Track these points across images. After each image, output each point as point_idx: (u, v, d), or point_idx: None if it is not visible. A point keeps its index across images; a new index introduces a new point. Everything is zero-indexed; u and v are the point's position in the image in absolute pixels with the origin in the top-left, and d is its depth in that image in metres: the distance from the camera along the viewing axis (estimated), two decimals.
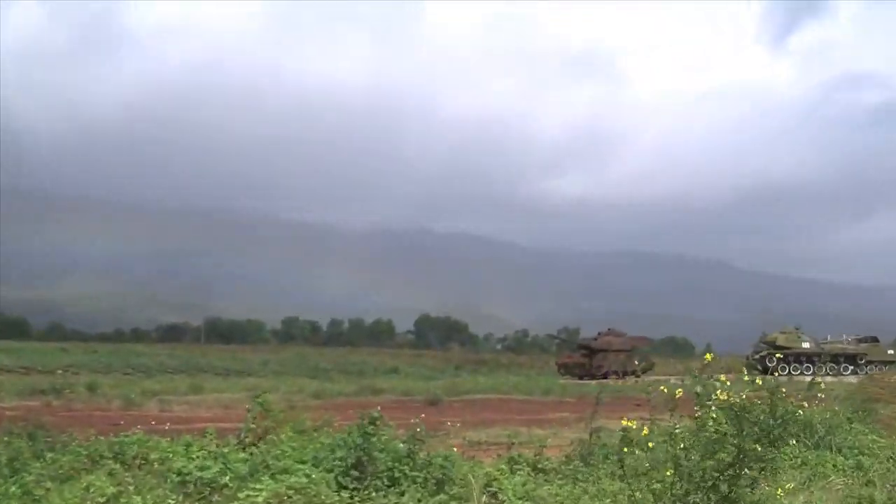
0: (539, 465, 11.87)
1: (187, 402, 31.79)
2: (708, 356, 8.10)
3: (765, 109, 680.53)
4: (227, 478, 9.13)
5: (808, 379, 22.82)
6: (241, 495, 8.27)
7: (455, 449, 12.03)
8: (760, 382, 8.00)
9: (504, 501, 9.44)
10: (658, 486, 7.43)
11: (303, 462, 9.96)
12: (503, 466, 10.96)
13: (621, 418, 7.97)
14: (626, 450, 7.68)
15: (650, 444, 7.49)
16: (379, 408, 10.67)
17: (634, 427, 7.70)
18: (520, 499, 9.56)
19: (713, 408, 7.58)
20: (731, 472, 7.10)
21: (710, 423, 7.38)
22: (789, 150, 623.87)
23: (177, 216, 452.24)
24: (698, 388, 7.81)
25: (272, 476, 9.22)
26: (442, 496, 9.38)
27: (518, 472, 10.95)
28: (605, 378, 58.20)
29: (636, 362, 60.03)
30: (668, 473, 7.32)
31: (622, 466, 7.74)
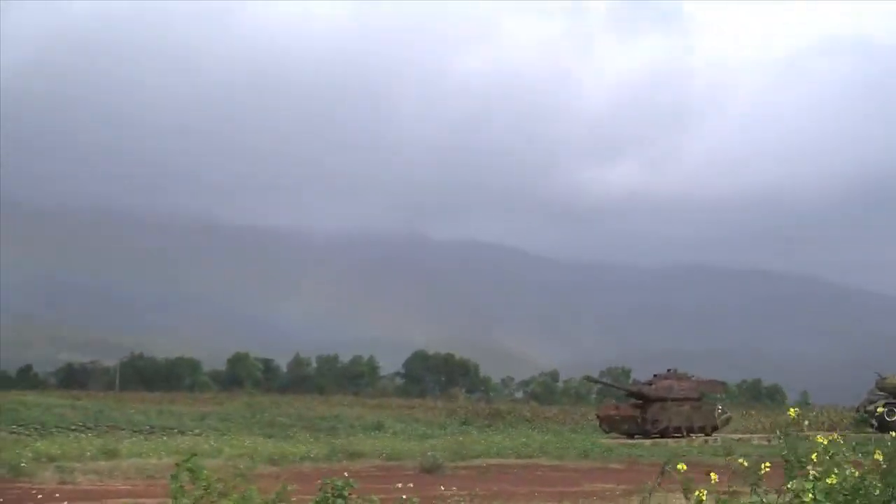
0: None
1: (96, 470, 31.68)
2: (792, 411, 8.05)
3: (890, 69, 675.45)
4: None
5: None
6: None
7: None
8: (878, 452, 7.91)
9: None
10: None
11: None
12: None
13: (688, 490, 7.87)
14: None
15: None
16: (345, 475, 10.62)
17: (705, 499, 7.58)
18: None
19: (812, 480, 7.51)
20: None
21: (808, 501, 7.31)
22: None
23: (82, 218, 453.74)
24: (788, 455, 7.75)
25: None
26: None
27: None
28: (664, 437, 58.11)
29: (719, 410, 59.99)
30: None
31: None
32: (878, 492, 7.22)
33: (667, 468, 13.30)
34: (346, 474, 10.55)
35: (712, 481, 7.50)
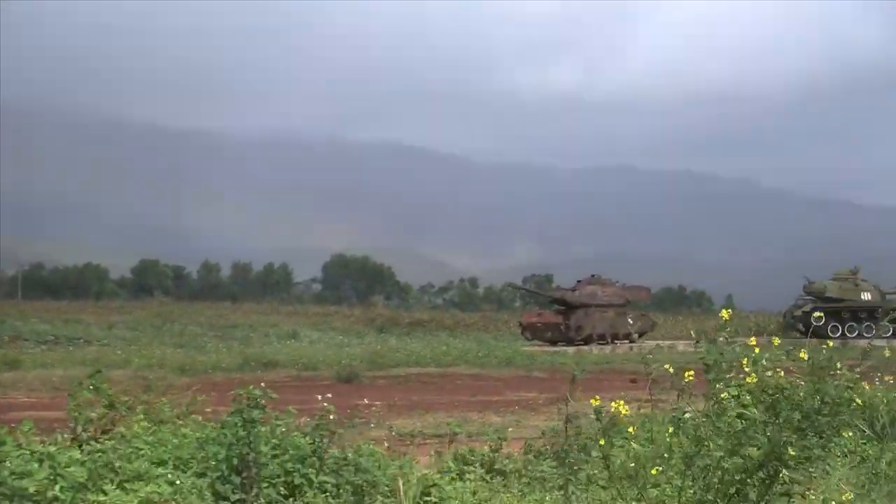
0: (496, 466, 11.95)
1: None
2: (725, 313, 8.08)
3: None
4: (58, 487, 9.04)
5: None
6: None
7: (379, 444, 12.05)
8: (804, 352, 7.99)
9: None
10: (657, 492, 7.47)
11: (163, 464, 9.90)
12: (445, 467, 11.01)
13: (610, 400, 7.93)
14: (612, 443, 7.61)
15: (649, 435, 7.47)
16: (262, 385, 10.59)
17: (625, 411, 7.62)
18: None
19: (735, 385, 7.59)
20: (761, 473, 7.08)
21: (732, 407, 7.38)
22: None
23: None
24: (712, 358, 7.80)
25: (120, 484, 9.14)
26: None
27: (467, 475, 11.01)
28: (588, 344, 58.66)
29: (630, 322, 60.46)
30: (674, 474, 7.32)
31: (608, 466, 7.73)
32: (802, 392, 7.34)
33: (577, 375, 13.46)
34: (262, 384, 10.48)
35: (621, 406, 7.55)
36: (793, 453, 7.03)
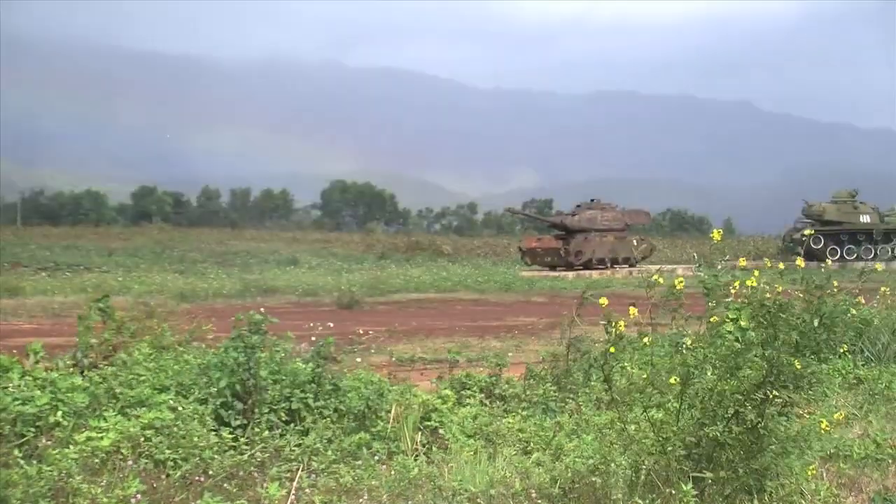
0: (496, 391, 12.00)
1: None
2: (716, 233, 8.06)
3: None
4: (60, 413, 9.08)
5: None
6: (78, 437, 8.21)
7: (379, 370, 12.11)
8: (801, 265, 7.96)
9: (448, 439, 9.54)
10: (660, 415, 7.51)
11: (165, 390, 9.95)
12: (446, 392, 11.06)
13: (613, 322, 7.92)
14: (614, 355, 7.60)
15: (648, 359, 7.47)
16: (262, 310, 10.61)
17: (622, 327, 7.61)
18: (469, 436, 9.67)
19: (733, 308, 7.60)
20: (759, 394, 7.12)
21: (730, 329, 7.40)
22: None
23: None
24: (710, 281, 7.80)
25: (122, 410, 9.19)
26: (361, 434, 9.45)
27: (467, 401, 11.07)
28: (588, 269, 58.78)
29: (635, 245, 60.53)
30: (672, 397, 7.35)
31: (609, 389, 7.76)
32: (799, 311, 7.35)
33: (585, 298, 13.46)
34: (261, 310, 10.51)
35: (631, 315, 7.56)
36: (789, 373, 7.06)
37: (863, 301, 12.27)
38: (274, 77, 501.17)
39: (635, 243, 59.18)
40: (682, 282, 7.65)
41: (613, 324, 7.48)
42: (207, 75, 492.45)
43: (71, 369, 11.11)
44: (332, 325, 13.24)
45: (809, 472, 7.47)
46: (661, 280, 7.79)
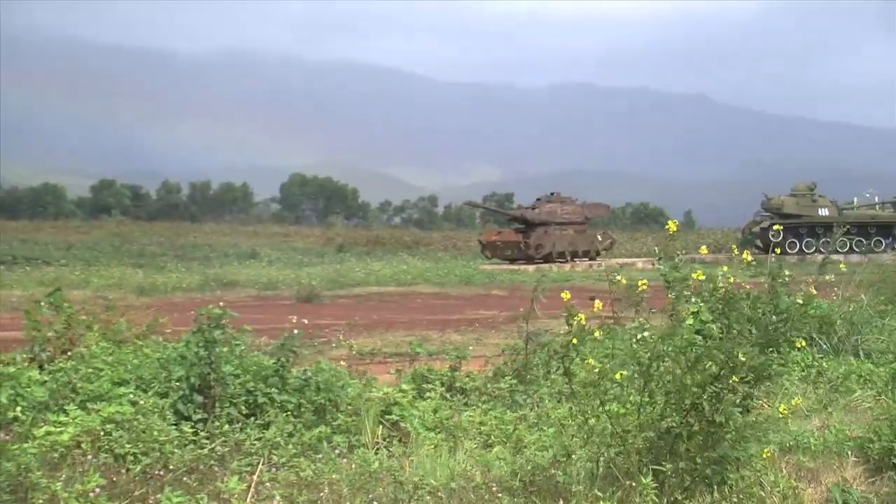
0: (456, 384, 12.02)
1: None
2: (672, 225, 8.08)
3: None
4: (18, 408, 9.05)
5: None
6: (37, 432, 8.19)
7: (339, 363, 12.09)
8: (748, 260, 7.97)
9: (409, 432, 9.55)
10: (619, 408, 7.54)
11: (124, 384, 9.91)
12: (406, 386, 11.07)
13: (570, 315, 7.94)
14: (575, 346, 7.60)
15: (609, 350, 7.48)
16: (221, 304, 10.59)
17: (587, 325, 7.63)
18: (430, 429, 9.68)
19: (693, 300, 7.63)
20: (717, 386, 7.15)
21: (690, 322, 7.43)
22: None
23: None
24: (670, 273, 7.82)
25: (81, 404, 9.15)
26: (322, 428, 9.44)
27: (428, 394, 11.07)
28: (548, 262, 58.88)
29: (599, 239, 60.77)
30: (632, 390, 7.38)
31: (570, 382, 7.77)
32: (758, 305, 7.40)
33: (537, 292, 13.48)
34: (221, 304, 10.48)
35: (595, 308, 7.59)
36: (746, 363, 7.09)
37: (815, 293, 12.32)
38: (234, 70, 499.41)
39: (599, 238, 59.35)
40: (646, 283, 7.66)
41: (574, 316, 7.50)
42: (167, 68, 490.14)
43: (28, 363, 11.05)
44: (295, 318, 13.22)
45: (765, 454, 7.50)
46: (623, 280, 7.82)
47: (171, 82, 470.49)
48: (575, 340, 7.43)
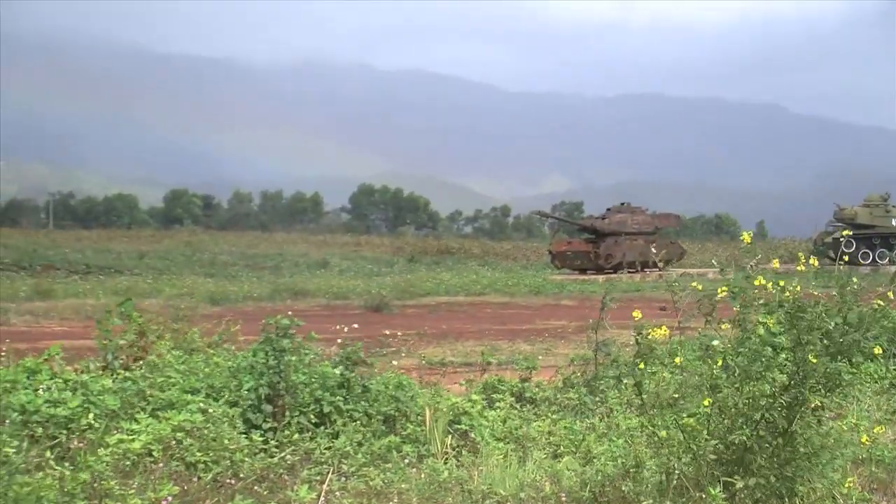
0: (526, 394, 12.00)
1: (30, 311, 31.71)
2: (746, 235, 8.00)
3: None
4: (91, 416, 9.10)
5: None
6: (110, 440, 8.25)
7: (409, 373, 12.11)
8: (815, 267, 7.86)
9: (477, 442, 9.54)
10: (690, 420, 7.47)
11: (195, 392, 9.98)
12: (475, 396, 11.06)
13: (642, 327, 7.88)
14: (644, 369, 7.56)
15: (678, 361, 7.41)
16: (289, 314, 10.62)
17: (664, 333, 7.56)
18: (499, 439, 9.68)
19: (762, 310, 7.55)
20: (786, 397, 7.07)
21: (759, 332, 7.35)
22: None
23: (9, 44, 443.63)
24: (737, 283, 7.75)
25: (153, 412, 9.21)
26: (391, 438, 9.46)
27: (497, 404, 11.07)
28: (618, 272, 58.65)
29: (654, 251, 60.49)
30: (706, 403, 7.31)
31: (640, 394, 7.72)
32: (829, 315, 7.30)
33: (607, 302, 13.42)
34: (289, 313, 10.53)
35: (636, 317, 7.53)
36: (817, 372, 7.01)
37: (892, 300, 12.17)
38: (304, 80, 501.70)
39: (654, 248, 58.96)
40: (724, 290, 7.59)
41: (643, 334, 7.46)
42: (238, 78, 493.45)
43: (101, 371, 11.15)
44: (356, 326, 13.26)
45: (846, 485, 7.39)
46: (699, 286, 7.75)
47: (243, 92, 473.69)
48: (643, 365, 7.39)
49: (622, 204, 64.51)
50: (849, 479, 7.40)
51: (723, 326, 7.57)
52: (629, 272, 58.88)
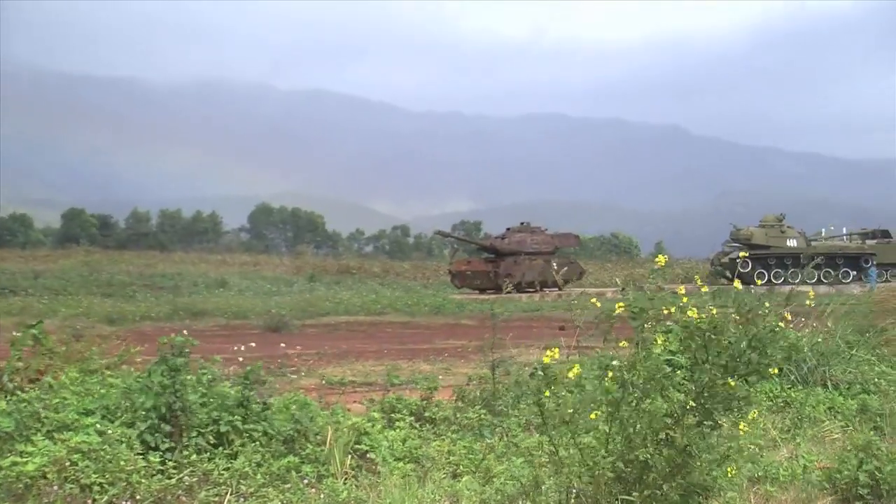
0: (426, 414, 12.00)
1: None
2: (661, 259, 8.10)
3: None
4: None
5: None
6: (3, 462, 8.15)
7: (309, 392, 12.06)
8: (704, 289, 8.00)
9: (377, 463, 9.52)
10: (590, 438, 7.52)
11: (91, 414, 9.85)
12: (376, 415, 11.04)
13: (545, 347, 7.95)
14: (546, 390, 7.61)
15: (573, 373, 7.44)
16: (187, 332, 10.53)
17: (555, 355, 7.61)
18: (399, 459, 9.66)
19: (663, 332, 7.62)
20: (688, 417, 7.16)
21: (658, 352, 7.42)
22: None
23: None
24: (638, 305, 7.82)
25: (48, 434, 9.09)
26: (290, 458, 9.41)
27: (397, 424, 11.06)
28: (517, 292, 58.88)
29: (555, 268, 60.86)
30: (593, 416, 7.35)
31: (541, 413, 7.75)
32: (729, 334, 7.40)
33: (496, 312, 13.47)
34: (185, 332, 10.43)
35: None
36: (719, 395, 7.11)
37: (786, 322, 12.37)
38: (205, 99, 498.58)
39: (555, 266, 59.29)
40: (622, 306, 7.67)
41: (548, 353, 7.50)
42: (138, 98, 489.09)
43: None
44: (253, 345, 13.20)
45: (729, 472, 7.46)
46: (598, 303, 7.82)
47: (143, 111, 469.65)
48: (547, 393, 7.43)
49: (521, 224, 65.08)
50: (730, 469, 7.48)
51: (621, 344, 7.65)
52: (528, 292, 59.20)
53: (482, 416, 11.75)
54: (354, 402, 13.55)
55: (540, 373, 7.51)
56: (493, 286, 59.91)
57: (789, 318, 8.33)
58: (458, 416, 11.92)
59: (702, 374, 7.14)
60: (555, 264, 59.95)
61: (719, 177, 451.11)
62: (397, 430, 10.63)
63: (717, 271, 63.52)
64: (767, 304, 7.86)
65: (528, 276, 61.09)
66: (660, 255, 8.06)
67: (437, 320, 40.98)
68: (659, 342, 7.45)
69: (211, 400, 9.99)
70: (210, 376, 10.38)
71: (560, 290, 59.84)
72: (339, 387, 17.63)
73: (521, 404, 11.72)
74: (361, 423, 10.37)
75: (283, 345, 22.78)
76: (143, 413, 9.64)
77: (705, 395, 7.12)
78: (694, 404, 7.11)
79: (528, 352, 9.76)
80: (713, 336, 7.21)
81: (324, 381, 17.19)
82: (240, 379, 10.46)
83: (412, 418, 11.58)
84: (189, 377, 9.92)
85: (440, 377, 16.14)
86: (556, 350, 7.51)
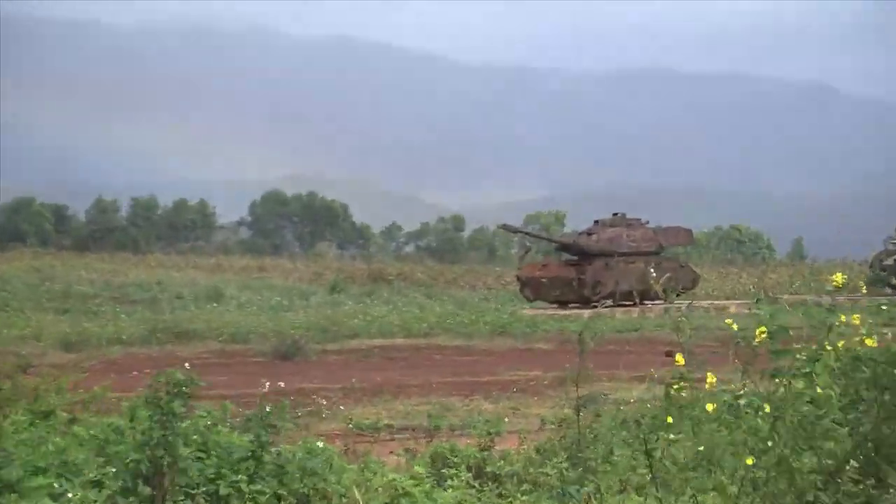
0: (488, 468, 12.00)
1: None
2: (838, 278, 7.94)
3: None
4: None
5: None
6: None
7: (332, 440, 12.09)
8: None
9: None
10: (715, 498, 7.47)
11: (44, 471, 9.89)
12: (420, 470, 11.05)
13: (641, 379, 7.90)
14: (657, 436, 7.52)
15: (711, 409, 7.35)
16: (187, 365, 10.57)
17: (675, 389, 7.52)
18: None
19: (803, 359, 7.55)
20: (852, 473, 7.06)
21: (800, 386, 7.34)
22: None
23: None
24: (777, 325, 7.74)
25: None
26: None
27: (450, 482, 11.06)
28: (608, 305, 58.65)
29: (665, 276, 60.62)
30: (749, 462, 7.26)
31: (650, 465, 7.67)
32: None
33: (586, 339, 13.41)
34: (186, 365, 10.44)
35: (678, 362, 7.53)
36: (878, 444, 7.02)
37: None
38: (188, 50, 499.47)
39: (653, 272, 58.78)
40: (764, 330, 7.54)
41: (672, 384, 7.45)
42: (103, 48, 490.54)
43: None
44: (282, 384, 13.24)
45: None
46: (734, 325, 7.70)
47: (110, 66, 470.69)
48: (670, 419, 7.37)
49: (615, 215, 64.27)
50: None
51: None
52: (625, 305, 58.88)
53: (564, 471, 11.72)
54: (391, 452, 13.58)
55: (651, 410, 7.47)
56: (576, 297, 59.50)
57: None
58: (530, 471, 11.91)
59: (866, 418, 7.03)
60: (652, 270, 59.68)
61: (880, 152, 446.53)
62: (450, 491, 10.63)
63: (879, 277, 62.80)
64: None
65: (624, 285, 60.43)
66: (837, 275, 7.89)
67: (502, 344, 40.97)
68: (801, 373, 7.38)
69: (213, 454, 10.00)
70: (210, 420, 10.39)
71: (667, 302, 59.55)
72: (371, 433, 17.68)
73: (615, 455, 11.68)
74: (401, 482, 10.36)
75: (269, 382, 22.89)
76: (116, 471, 9.66)
77: (868, 444, 7.03)
78: (854, 458, 7.03)
79: (624, 386, 9.61)
80: (888, 367, 7.10)
81: (351, 426, 17.24)
82: (251, 422, 10.47)
83: (469, 475, 11.59)
84: (184, 423, 9.91)
85: (506, 419, 16.16)
86: (681, 385, 7.42)
